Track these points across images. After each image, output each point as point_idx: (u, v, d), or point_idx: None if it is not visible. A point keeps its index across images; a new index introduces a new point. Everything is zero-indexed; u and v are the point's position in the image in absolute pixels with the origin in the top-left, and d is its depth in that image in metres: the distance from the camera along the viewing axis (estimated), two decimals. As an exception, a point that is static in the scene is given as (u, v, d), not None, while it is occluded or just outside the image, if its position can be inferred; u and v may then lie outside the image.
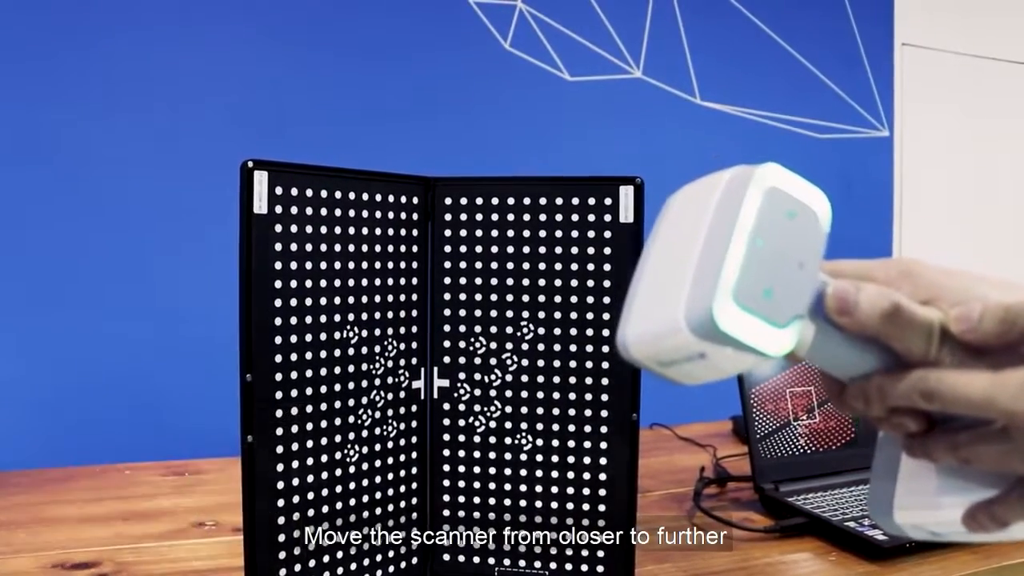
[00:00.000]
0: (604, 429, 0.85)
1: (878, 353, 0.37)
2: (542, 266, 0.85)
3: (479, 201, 0.86)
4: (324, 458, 0.78)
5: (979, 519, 0.38)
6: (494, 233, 0.86)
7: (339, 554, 0.80)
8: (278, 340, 0.75)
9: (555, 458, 0.86)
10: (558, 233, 0.85)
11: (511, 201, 0.85)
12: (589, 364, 0.85)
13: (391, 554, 0.86)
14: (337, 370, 0.79)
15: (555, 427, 0.86)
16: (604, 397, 0.84)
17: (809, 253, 0.37)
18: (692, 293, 0.34)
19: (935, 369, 0.36)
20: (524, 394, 0.86)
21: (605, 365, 0.84)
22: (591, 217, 0.84)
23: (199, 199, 1.49)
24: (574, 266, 0.84)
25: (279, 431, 0.75)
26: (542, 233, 0.85)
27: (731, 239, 0.34)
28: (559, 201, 0.84)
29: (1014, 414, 0.33)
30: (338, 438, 0.80)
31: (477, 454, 0.87)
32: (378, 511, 0.84)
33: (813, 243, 0.37)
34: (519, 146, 1.74)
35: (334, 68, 1.61)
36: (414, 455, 0.88)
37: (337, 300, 0.79)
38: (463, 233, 0.86)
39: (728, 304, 0.33)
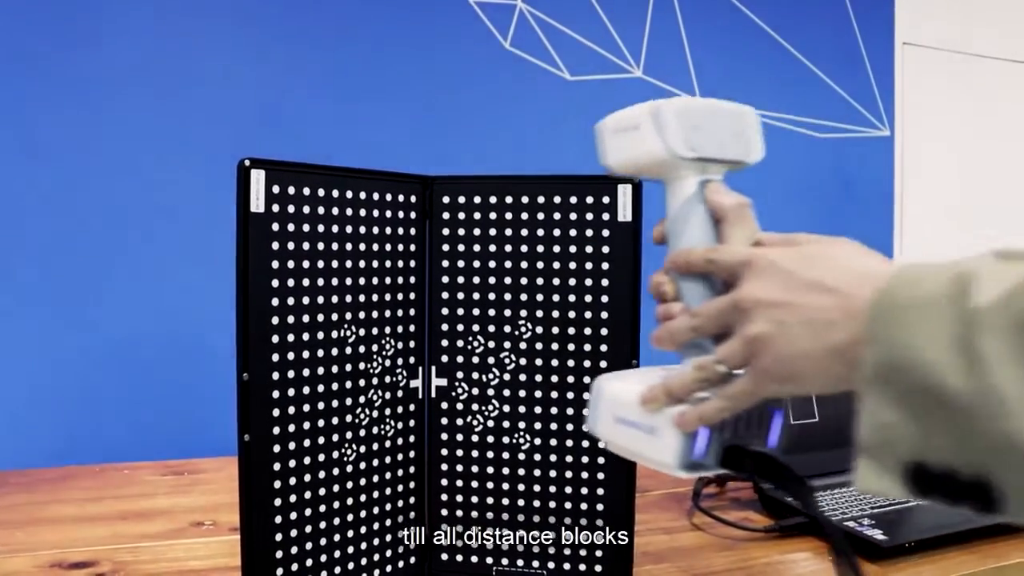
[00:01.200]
0: (602, 428, 0.84)
1: (708, 233, 0.53)
2: (540, 265, 0.85)
3: (477, 200, 0.86)
4: (321, 457, 0.78)
5: (655, 390, 0.51)
6: (492, 232, 0.86)
7: (337, 553, 0.80)
8: (275, 339, 0.74)
9: (553, 457, 0.86)
10: (556, 232, 0.84)
11: (509, 200, 0.85)
12: (587, 363, 0.84)
13: (389, 553, 0.85)
14: (334, 369, 0.79)
15: (553, 426, 0.86)
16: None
17: (746, 128, 0.55)
18: (658, 102, 0.54)
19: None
20: (522, 393, 0.86)
21: (603, 364, 0.84)
22: (589, 216, 0.84)
23: (196, 198, 1.49)
24: (572, 265, 0.84)
25: (276, 430, 0.74)
26: (540, 232, 0.85)
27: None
28: (557, 200, 0.84)
29: (752, 257, 0.48)
30: (335, 437, 0.80)
31: (475, 453, 0.87)
32: (376, 510, 0.84)
33: (743, 124, 0.55)
34: (518, 145, 1.73)
35: (332, 66, 1.61)
36: (412, 454, 0.88)
37: (335, 299, 0.79)
38: (461, 232, 0.86)
39: (673, 106, 0.53)
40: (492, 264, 0.86)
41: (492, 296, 0.86)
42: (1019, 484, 0.37)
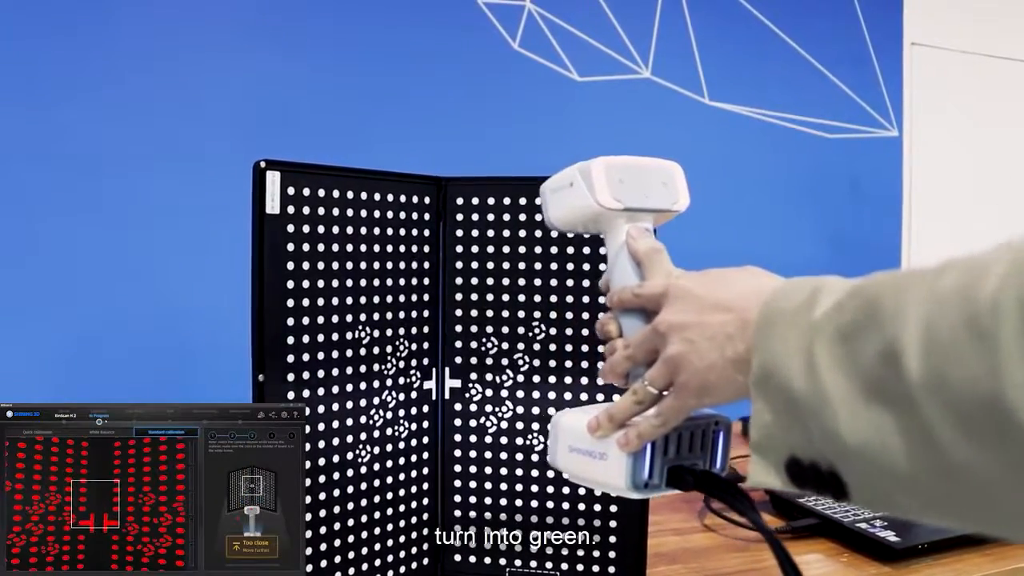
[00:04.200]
0: (616, 430, 0.84)
1: (633, 274, 0.58)
2: (554, 266, 0.85)
3: (491, 201, 0.86)
4: (336, 459, 0.78)
5: (599, 418, 0.56)
6: (506, 233, 0.86)
7: (351, 554, 0.80)
8: (290, 340, 0.75)
9: (566, 459, 0.86)
10: (569, 233, 0.84)
11: (523, 201, 0.85)
12: (601, 365, 0.84)
13: (402, 554, 0.86)
14: (349, 370, 0.79)
15: (566, 428, 0.85)
16: (615, 397, 0.84)
17: (671, 180, 0.60)
18: (588, 161, 0.59)
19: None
20: (536, 394, 0.86)
21: (617, 365, 0.84)
22: (603, 217, 0.83)
23: (211, 199, 1.49)
24: (586, 266, 0.84)
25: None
26: (553, 233, 0.85)
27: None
28: (571, 201, 0.84)
29: (668, 286, 0.53)
30: (350, 438, 0.80)
31: (488, 454, 0.87)
32: (389, 511, 0.84)
33: (668, 177, 0.60)
34: (528, 146, 1.73)
35: (345, 69, 1.61)
36: (426, 455, 0.88)
37: (349, 300, 0.79)
38: (475, 233, 0.86)
39: (600, 164, 0.58)
40: (506, 265, 0.86)
41: (506, 297, 0.86)
42: (850, 473, 0.41)
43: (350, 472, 0.80)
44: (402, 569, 0.85)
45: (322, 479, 0.77)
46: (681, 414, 0.52)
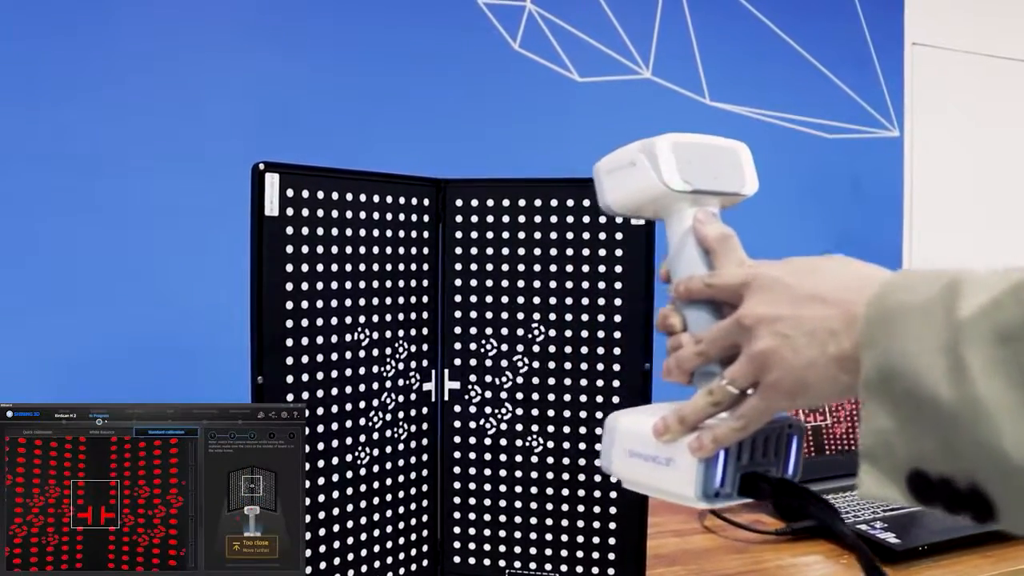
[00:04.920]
0: (615, 431, 0.84)
1: (701, 262, 0.53)
2: (553, 268, 0.85)
3: (490, 203, 0.86)
4: (335, 460, 0.78)
5: (667, 420, 0.50)
6: (505, 235, 0.86)
7: (351, 555, 0.80)
8: (289, 342, 0.75)
9: (566, 460, 0.86)
10: (569, 235, 0.84)
11: (522, 203, 0.85)
12: (600, 366, 0.84)
13: (402, 555, 0.86)
14: (348, 372, 0.79)
15: (566, 429, 0.86)
16: (615, 399, 0.84)
17: (739, 162, 0.56)
18: (652, 138, 0.54)
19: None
20: (535, 396, 0.86)
21: (616, 367, 0.84)
22: (602, 219, 0.83)
23: (211, 200, 1.49)
24: (585, 268, 0.84)
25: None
26: (553, 235, 0.85)
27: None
28: (570, 203, 0.84)
29: (749, 275, 0.49)
30: (349, 440, 0.80)
31: (488, 456, 0.87)
32: (389, 513, 0.84)
33: (736, 158, 0.56)
34: (528, 147, 1.73)
35: (345, 69, 1.61)
36: (425, 457, 0.88)
37: (348, 302, 0.79)
38: (474, 235, 0.86)
39: (667, 142, 0.53)
40: (504, 267, 0.86)
41: (505, 299, 0.86)
42: (1007, 494, 0.36)
43: (350, 473, 0.80)
44: (402, 570, 0.85)
45: (322, 480, 0.77)
46: (766, 416, 0.48)
